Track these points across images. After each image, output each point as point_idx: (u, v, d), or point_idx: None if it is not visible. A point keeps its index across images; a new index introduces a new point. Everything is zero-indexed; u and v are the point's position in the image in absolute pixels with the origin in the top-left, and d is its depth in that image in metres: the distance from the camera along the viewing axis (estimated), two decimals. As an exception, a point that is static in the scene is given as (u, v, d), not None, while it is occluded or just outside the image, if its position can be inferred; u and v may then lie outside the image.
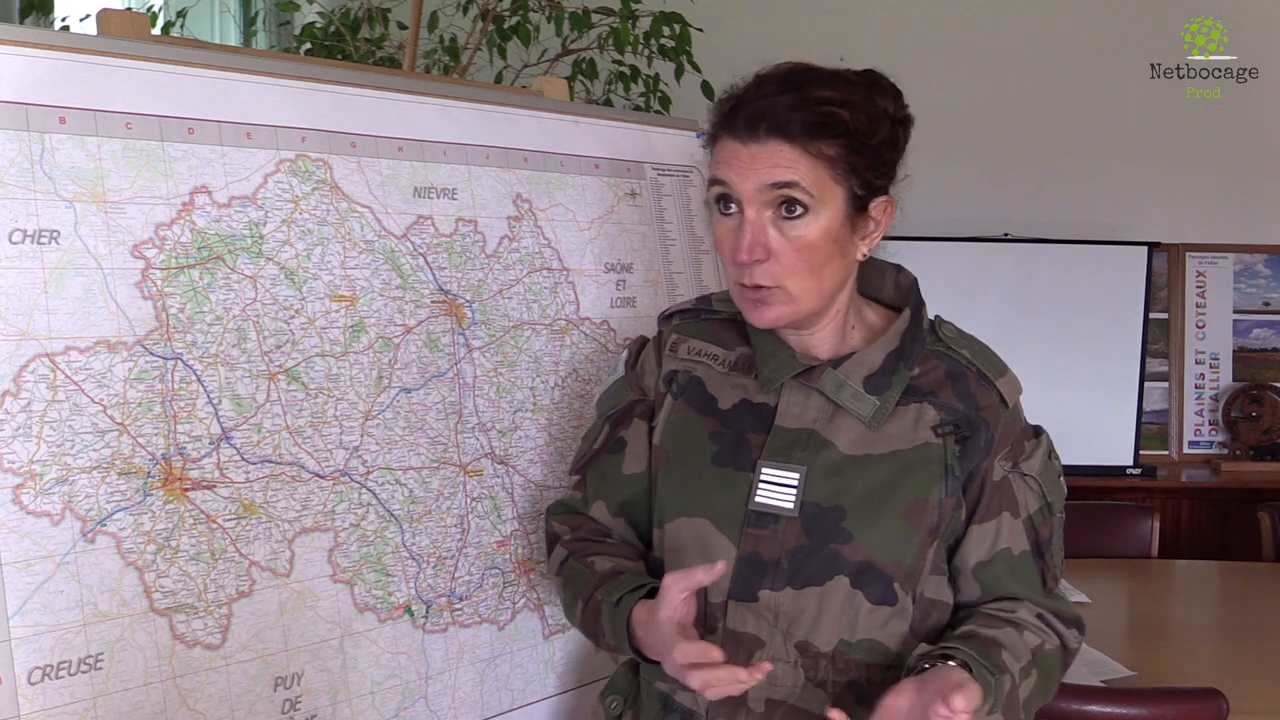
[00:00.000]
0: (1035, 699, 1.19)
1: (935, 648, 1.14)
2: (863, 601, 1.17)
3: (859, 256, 1.19)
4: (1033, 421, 1.27)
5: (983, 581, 1.22)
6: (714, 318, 1.31)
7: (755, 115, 1.12)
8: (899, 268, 1.27)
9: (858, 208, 1.16)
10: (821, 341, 1.22)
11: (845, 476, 1.18)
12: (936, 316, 1.26)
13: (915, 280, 1.26)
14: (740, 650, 1.18)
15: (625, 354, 1.38)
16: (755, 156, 1.12)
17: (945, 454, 1.18)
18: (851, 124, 1.12)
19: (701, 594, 1.19)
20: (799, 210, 1.13)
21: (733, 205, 1.15)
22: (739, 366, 1.26)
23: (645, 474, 1.31)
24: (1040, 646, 1.19)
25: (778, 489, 1.19)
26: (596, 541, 1.32)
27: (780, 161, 1.11)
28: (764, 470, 1.19)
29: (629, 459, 1.32)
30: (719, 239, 1.18)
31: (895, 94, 1.19)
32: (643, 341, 1.37)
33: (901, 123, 1.19)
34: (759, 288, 1.15)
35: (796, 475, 1.18)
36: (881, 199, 1.17)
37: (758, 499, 1.19)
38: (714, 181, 1.16)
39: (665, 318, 1.35)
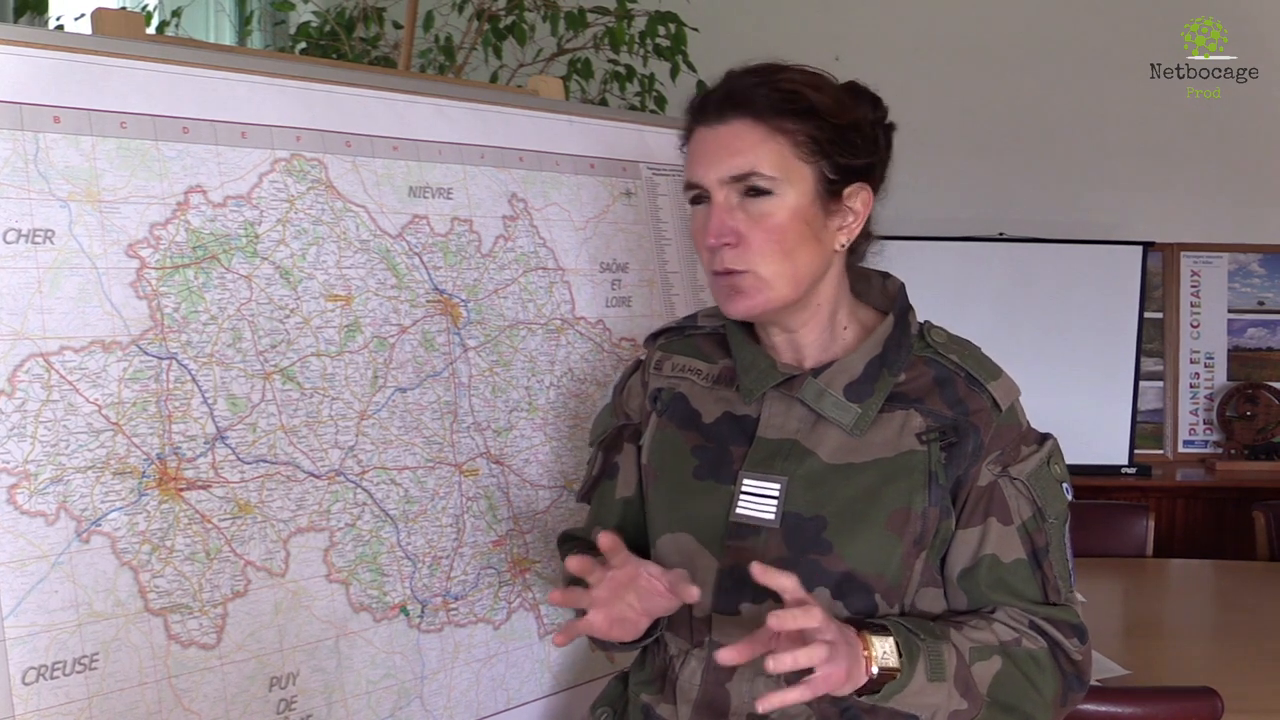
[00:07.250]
0: (1013, 690, 1.12)
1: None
2: (843, 613, 1.12)
3: (837, 247, 1.18)
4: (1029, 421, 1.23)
5: (967, 590, 1.17)
6: (698, 333, 1.31)
7: (721, 97, 1.16)
8: (886, 274, 1.26)
9: (830, 191, 1.15)
10: (809, 339, 1.21)
11: (827, 486, 1.15)
12: (926, 321, 1.23)
13: (902, 285, 1.24)
14: (723, 666, 1.15)
15: (617, 379, 1.39)
16: (720, 138, 1.14)
17: (930, 461, 1.15)
18: (817, 104, 1.14)
19: (686, 609, 1.18)
20: (764, 193, 1.14)
21: (704, 198, 1.17)
22: (722, 380, 1.25)
23: (636, 497, 1.31)
24: (1015, 641, 1.13)
25: (759, 500, 1.17)
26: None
27: (742, 147, 1.13)
28: (745, 481, 1.18)
29: (621, 484, 1.32)
30: (694, 234, 1.19)
31: (874, 100, 1.21)
32: (635, 365, 1.37)
33: (882, 125, 1.20)
34: (731, 273, 1.15)
35: (777, 486, 1.16)
36: (856, 186, 1.17)
37: (739, 510, 1.17)
38: (685, 180, 1.18)
39: (651, 338, 1.35)
